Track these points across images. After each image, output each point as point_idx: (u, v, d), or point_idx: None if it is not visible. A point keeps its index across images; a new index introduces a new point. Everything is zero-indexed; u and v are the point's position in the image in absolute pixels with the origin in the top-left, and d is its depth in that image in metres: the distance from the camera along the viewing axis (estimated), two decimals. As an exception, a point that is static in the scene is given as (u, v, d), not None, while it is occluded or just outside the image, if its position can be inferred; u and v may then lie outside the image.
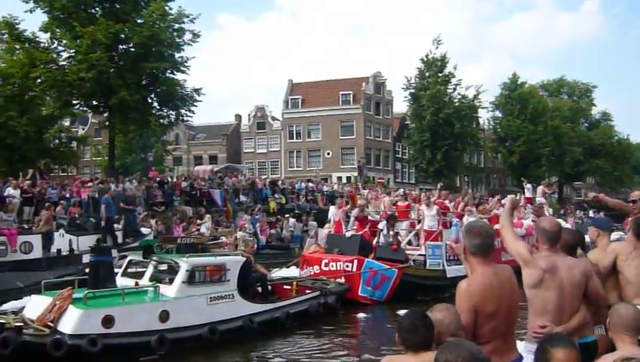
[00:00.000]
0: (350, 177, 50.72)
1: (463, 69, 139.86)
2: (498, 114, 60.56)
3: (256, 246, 17.78)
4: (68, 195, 22.13)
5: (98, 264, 10.66)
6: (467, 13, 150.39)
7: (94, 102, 31.42)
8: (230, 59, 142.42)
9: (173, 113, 32.46)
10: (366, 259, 14.80)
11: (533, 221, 18.83)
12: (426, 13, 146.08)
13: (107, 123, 32.19)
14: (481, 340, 3.46)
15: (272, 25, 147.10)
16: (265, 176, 44.24)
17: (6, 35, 32.67)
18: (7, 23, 31.19)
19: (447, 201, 19.52)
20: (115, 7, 30.10)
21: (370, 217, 17.41)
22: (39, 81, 29.76)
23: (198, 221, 22.78)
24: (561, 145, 57.68)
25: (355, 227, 16.96)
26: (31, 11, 29.20)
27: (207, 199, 27.88)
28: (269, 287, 13.27)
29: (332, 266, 15.23)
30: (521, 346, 3.93)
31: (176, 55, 31.12)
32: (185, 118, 33.94)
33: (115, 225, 20.40)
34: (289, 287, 13.46)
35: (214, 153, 63.23)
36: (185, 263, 10.54)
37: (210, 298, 10.58)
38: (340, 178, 52.78)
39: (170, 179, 31.25)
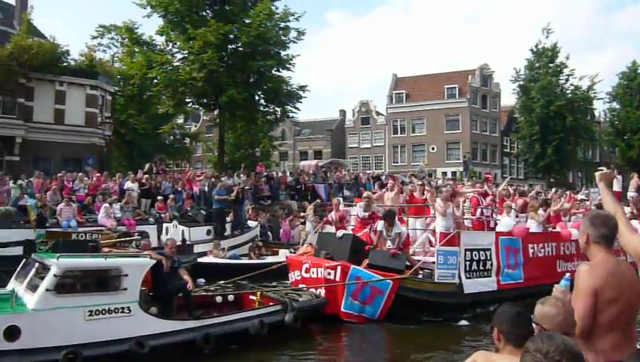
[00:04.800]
0: (455, 172, 49.83)
1: (584, 58, 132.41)
2: (616, 105, 57.12)
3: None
4: (180, 188, 23.34)
5: None
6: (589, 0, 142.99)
7: (205, 101, 32.84)
8: (338, 56, 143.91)
9: (279, 110, 33.25)
10: (352, 267, 11.61)
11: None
12: (546, 1, 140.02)
13: (217, 120, 33.54)
14: (600, 331, 3.36)
15: (381, 20, 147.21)
16: (369, 171, 44.35)
17: (126, 39, 34.99)
18: (128, 28, 33.41)
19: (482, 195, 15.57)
20: (225, 9, 31.26)
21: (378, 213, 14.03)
22: (155, 81, 31.57)
23: (302, 213, 23.31)
24: (688, 138, 53.42)
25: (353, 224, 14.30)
26: (148, 16, 30.97)
27: (312, 193, 28.41)
28: (227, 299, 11.37)
29: (313, 273, 12.25)
30: None
31: (282, 53, 31.90)
32: (290, 115, 34.73)
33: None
34: (254, 298, 11.22)
35: (319, 148, 64.10)
36: (54, 265, 8.13)
37: (91, 311, 8.15)
38: (444, 173, 51.98)
39: (276, 174, 32.12)
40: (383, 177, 35.94)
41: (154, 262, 9.30)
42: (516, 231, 13.69)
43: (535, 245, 14.15)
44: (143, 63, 31.17)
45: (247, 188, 24.59)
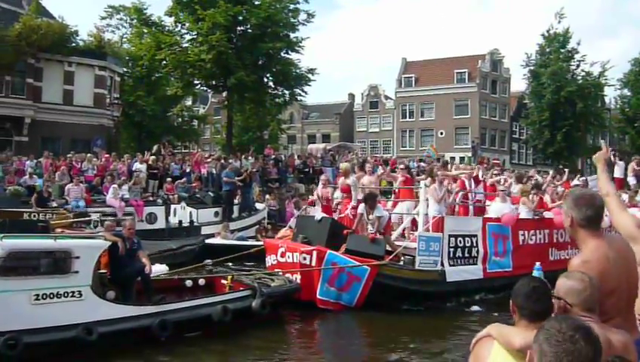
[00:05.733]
0: (464, 157, 49.62)
1: (597, 44, 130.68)
2: (627, 92, 56.51)
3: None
4: (188, 170, 23.37)
5: None
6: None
7: (214, 82, 32.81)
8: (347, 39, 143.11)
9: (288, 92, 33.20)
10: (328, 251, 11.02)
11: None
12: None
13: (226, 102, 33.52)
14: (602, 317, 3.14)
15: (392, 3, 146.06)
16: (377, 155, 44.26)
17: (135, 20, 34.93)
18: (136, 8, 33.38)
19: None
20: (234, -10, 31.15)
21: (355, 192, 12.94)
22: (164, 62, 31.52)
23: (311, 197, 23.29)
24: (701, 126, 52.81)
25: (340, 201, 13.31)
26: (157, -4, 30.89)
27: (320, 176, 28.35)
28: (198, 283, 10.76)
29: (288, 257, 11.70)
30: None
31: (291, 35, 31.77)
32: (299, 98, 34.66)
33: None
34: (226, 282, 10.64)
35: (327, 132, 63.94)
36: None
37: (37, 296, 7.64)
38: (452, 158, 51.76)
39: (284, 157, 32.13)
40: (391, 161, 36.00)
41: (108, 243, 8.78)
42: (504, 219, 12.84)
43: (526, 232, 13.52)
44: (152, 44, 31.16)
45: (254, 170, 24.59)
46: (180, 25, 32.05)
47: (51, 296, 7.73)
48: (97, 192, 19.81)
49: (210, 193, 21.68)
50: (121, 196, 18.69)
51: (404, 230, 13.30)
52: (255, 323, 9.51)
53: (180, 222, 19.51)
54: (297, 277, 11.13)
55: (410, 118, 61.30)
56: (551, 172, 19.21)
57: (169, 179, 21.56)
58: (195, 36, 30.94)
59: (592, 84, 47.50)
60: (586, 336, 2.05)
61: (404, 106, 61.84)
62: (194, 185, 22.34)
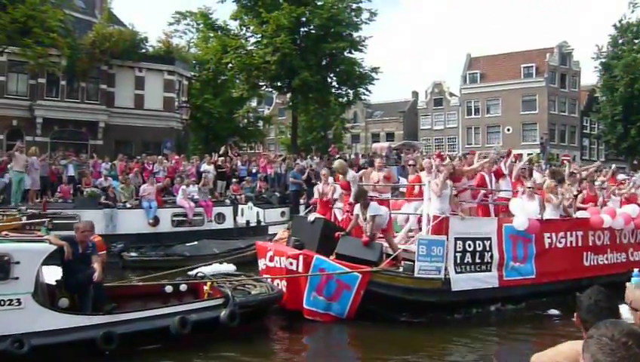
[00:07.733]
0: (532, 154, 48.41)
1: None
2: None
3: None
4: (255, 171, 23.77)
5: None
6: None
7: (279, 84, 33.30)
8: (410, 37, 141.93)
9: (352, 92, 33.32)
10: (315, 256, 9.91)
11: None
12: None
13: (290, 103, 33.90)
14: None
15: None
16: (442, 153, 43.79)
17: (202, 25, 35.82)
18: (203, 13, 34.23)
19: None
20: (297, -8, 31.51)
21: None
22: (230, 65, 32.20)
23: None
24: None
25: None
26: (222, 1, 31.58)
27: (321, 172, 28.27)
28: (179, 289, 9.93)
29: (276, 262, 10.67)
30: None
31: (354, 34, 31.87)
32: (362, 97, 34.71)
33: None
34: (205, 289, 9.71)
35: (391, 130, 63.62)
36: None
37: None
38: (520, 155, 50.55)
39: (348, 156, 32.23)
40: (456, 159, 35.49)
41: (53, 248, 7.92)
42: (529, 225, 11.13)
43: (553, 234, 11.74)
44: (218, 48, 31.91)
45: (320, 172, 24.74)
46: (244, 28, 32.73)
47: None
48: (168, 193, 20.42)
49: (276, 193, 21.99)
50: (191, 197, 19.21)
51: (409, 231, 11.99)
52: (227, 336, 8.58)
53: (248, 221, 19.89)
54: (284, 284, 10.18)
55: (475, 114, 60.25)
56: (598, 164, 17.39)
57: (236, 180, 21.98)
58: (259, 39, 31.49)
59: (668, 75, 45.44)
60: (639, 341, 2.01)
61: (469, 103, 60.84)
62: (259, 185, 22.70)
